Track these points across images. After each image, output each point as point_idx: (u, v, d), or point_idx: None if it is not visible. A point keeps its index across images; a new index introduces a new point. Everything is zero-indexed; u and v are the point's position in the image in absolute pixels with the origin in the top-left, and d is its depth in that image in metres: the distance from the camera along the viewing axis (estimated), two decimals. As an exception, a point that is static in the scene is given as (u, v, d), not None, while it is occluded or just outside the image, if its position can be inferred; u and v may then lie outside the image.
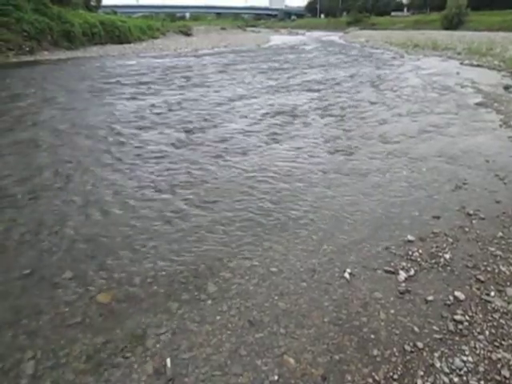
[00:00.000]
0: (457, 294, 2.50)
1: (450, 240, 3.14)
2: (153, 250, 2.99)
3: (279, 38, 42.97)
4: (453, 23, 54.12)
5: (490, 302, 2.45)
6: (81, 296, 2.49)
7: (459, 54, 19.37)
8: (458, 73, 13.02)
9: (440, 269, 2.77)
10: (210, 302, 2.44)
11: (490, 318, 2.33)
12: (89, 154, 5.16)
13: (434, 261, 2.86)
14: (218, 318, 2.31)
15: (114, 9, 50.96)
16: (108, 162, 4.89)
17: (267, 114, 7.34)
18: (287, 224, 3.37)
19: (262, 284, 2.61)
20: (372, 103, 8.29)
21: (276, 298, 2.48)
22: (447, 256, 2.91)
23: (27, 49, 19.50)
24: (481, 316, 2.34)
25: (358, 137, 5.95)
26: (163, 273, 2.71)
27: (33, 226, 3.34)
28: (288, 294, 2.52)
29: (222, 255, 2.91)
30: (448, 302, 2.43)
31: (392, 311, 2.37)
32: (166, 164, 4.81)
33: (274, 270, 2.75)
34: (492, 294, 2.52)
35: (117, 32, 28.98)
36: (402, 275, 2.68)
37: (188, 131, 6.21)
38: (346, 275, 2.67)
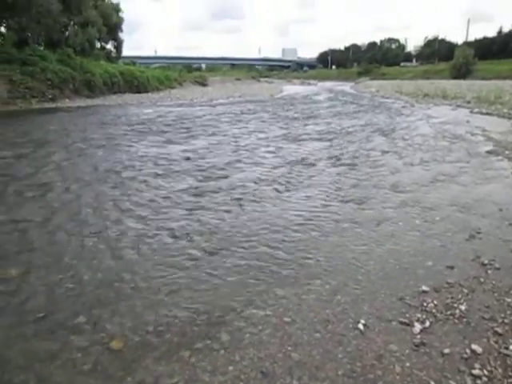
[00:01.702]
0: (474, 347, 2.45)
1: (465, 291, 3.10)
2: (166, 296, 3.01)
3: (292, 88, 44.26)
4: (461, 72, 55.30)
5: (509, 355, 2.39)
6: (93, 342, 2.51)
7: (468, 102, 19.70)
8: (468, 121, 13.21)
9: (456, 320, 2.74)
10: (222, 351, 2.43)
11: (510, 373, 2.27)
12: (105, 200, 5.30)
13: (449, 312, 2.82)
14: (231, 368, 2.30)
15: (133, 59, 53.40)
16: (124, 207, 5.01)
17: (280, 162, 7.49)
18: (300, 273, 3.38)
19: (276, 334, 2.59)
20: (384, 152, 8.41)
21: (289, 348, 2.46)
22: (463, 307, 2.87)
23: (50, 96, 20.46)
24: (500, 371, 2.28)
25: (371, 186, 6.02)
26: (176, 320, 2.72)
27: (48, 269, 3.40)
28: (301, 344, 2.50)
29: (236, 304, 2.91)
30: (465, 356, 2.38)
31: (407, 364, 2.33)
32: (181, 211, 4.90)
33: (287, 319, 2.74)
34: (511, 347, 2.47)
35: (135, 82, 30.29)
36: (417, 327, 2.64)
37: (202, 179, 6.35)
38: (360, 326, 2.65)
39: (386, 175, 6.63)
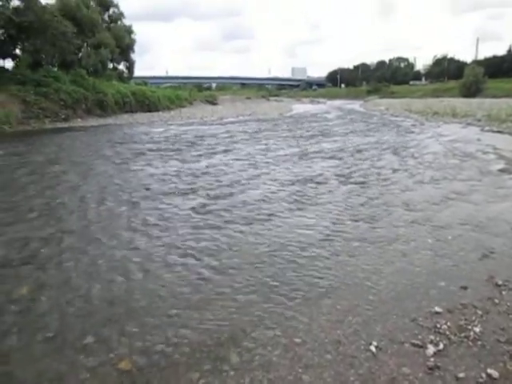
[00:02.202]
0: (490, 371, 2.38)
1: (480, 312, 3.04)
2: (175, 316, 2.99)
3: (301, 107, 44.53)
4: (471, 91, 55.23)
5: (526, 381, 2.32)
6: (102, 362, 2.49)
7: (479, 120, 19.61)
8: (478, 139, 13.12)
9: (470, 343, 2.67)
10: (232, 372, 2.40)
11: (527, 398, 2.20)
12: (115, 218, 5.33)
13: (463, 334, 2.76)
14: (241, 391, 2.26)
15: (145, 80, 54.30)
16: (133, 226, 5.03)
17: (290, 180, 7.49)
18: (310, 293, 3.34)
19: (286, 355, 2.55)
20: (394, 170, 8.38)
21: (300, 370, 2.42)
22: (477, 329, 2.81)
23: (63, 116, 20.88)
24: (517, 396, 2.21)
25: (381, 204, 5.98)
26: (185, 341, 2.69)
27: (58, 288, 3.41)
28: (312, 366, 2.45)
29: (245, 324, 2.88)
30: (481, 380, 2.32)
31: (421, 388, 2.27)
32: (191, 229, 4.90)
33: (297, 340, 2.70)
34: (528, 372, 2.40)
35: (146, 101, 30.79)
36: (431, 349, 2.58)
37: (212, 197, 6.37)
38: (372, 348, 2.60)
39: (396, 193, 6.59)
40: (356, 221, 5.24)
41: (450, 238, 4.61)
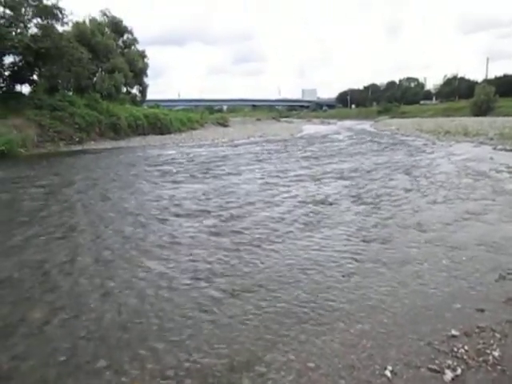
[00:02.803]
0: (510, 397, 2.31)
1: (498, 335, 2.96)
2: (187, 340, 2.97)
3: (312, 128, 44.77)
4: (482, 110, 55.07)
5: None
6: (114, 387, 2.48)
7: (491, 139, 19.49)
8: (491, 158, 13.02)
9: (489, 368, 2.60)
10: (244, 398, 2.36)
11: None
12: (127, 240, 5.35)
13: (481, 359, 2.69)
14: (253, 417, 2.22)
15: (157, 102, 55.21)
16: (146, 248, 5.05)
17: (301, 201, 7.48)
18: (323, 316, 3.29)
19: (299, 380, 2.51)
20: (406, 190, 8.33)
21: (314, 396, 2.37)
22: (496, 353, 2.73)
23: (77, 139, 21.30)
24: (539, 424, 2.14)
25: (394, 224, 5.92)
26: (197, 365, 2.66)
27: (71, 311, 3.42)
28: (326, 392, 2.40)
29: (257, 348, 2.85)
30: (501, 407, 2.25)
31: (439, 416, 2.20)
32: (202, 251, 4.90)
33: (311, 365, 2.66)
34: (550, 398, 2.32)
35: (159, 124, 31.23)
36: (448, 375, 2.52)
37: (223, 219, 6.38)
38: (387, 373, 2.54)
39: (409, 214, 6.54)
40: (368, 241, 5.19)
41: (464, 258, 4.54)
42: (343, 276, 4.10)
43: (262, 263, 4.50)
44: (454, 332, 2.99)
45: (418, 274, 4.14)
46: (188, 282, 4.02)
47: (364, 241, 5.23)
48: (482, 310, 3.34)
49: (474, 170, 10.76)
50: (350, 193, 8.18)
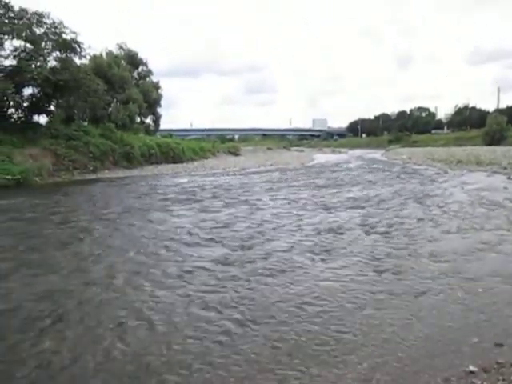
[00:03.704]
0: None
1: (518, 372, 2.85)
2: (197, 372, 2.92)
3: (323, 157, 44.95)
4: (494, 139, 55.01)
5: None
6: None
7: (505, 168, 19.33)
8: (505, 187, 12.87)
9: (510, 407, 2.49)
10: None
11: None
12: (139, 269, 5.34)
13: (501, 397, 2.58)
14: None
15: (170, 132, 56.23)
16: (156, 277, 5.03)
17: (313, 230, 7.44)
18: (336, 348, 3.22)
19: (311, 417, 2.43)
20: (419, 220, 8.24)
21: (326, 434, 2.29)
22: (516, 391, 2.63)
23: (91, 168, 21.64)
24: None
25: (407, 255, 5.84)
26: (207, 399, 2.60)
27: (80, 341, 3.39)
28: (339, 429, 2.32)
29: (268, 382, 2.78)
30: None
31: None
32: (213, 281, 4.87)
33: (323, 400, 2.58)
34: None
35: (171, 153, 31.68)
36: (467, 413, 2.42)
37: (235, 248, 6.35)
38: (403, 410, 2.45)
39: (422, 244, 6.44)
40: (381, 272, 5.11)
41: (480, 290, 4.43)
42: (356, 307, 4.02)
43: (274, 294, 4.44)
44: (471, 368, 2.89)
45: (432, 306, 4.05)
46: (197, 312, 3.98)
47: (377, 271, 5.15)
48: (501, 345, 3.23)
49: (487, 199, 10.63)
50: (363, 222, 8.11)
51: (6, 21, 21.40)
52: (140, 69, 42.13)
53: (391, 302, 4.15)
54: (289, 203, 10.82)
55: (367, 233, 7.23)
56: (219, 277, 5.02)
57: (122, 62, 38.89)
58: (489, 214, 8.74)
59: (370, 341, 3.34)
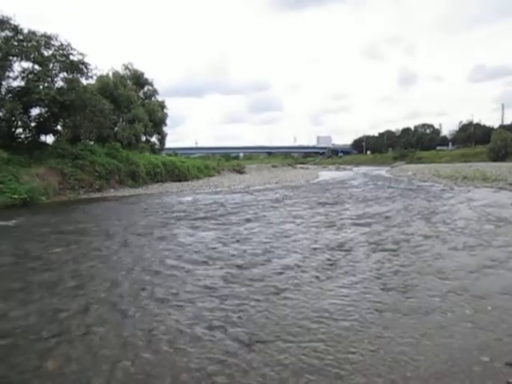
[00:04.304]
0: None
1: (530, 393, 2.79)
2: (202, 394, 2.87)
3: (327, 174, 45.00)
4: (500, 155, 54.99)
5: None
6: None
7: (511, 184, 19.23)
8: (512, 204, 12.79)
9: (523, 429, 2.43)
10: None
11: None
12: (144, 288, 5.31)
13: (514, 418, 2.52)
14: None
15: (175, 150, 56.62)
16: (161, 296, 4.99)
17: (318, 248, 7.39)
18: (343, 368, 3.16)
19: None
20: (425, 237, 8.18)
21: None
22: (529, 413, 2.56)
23: (97, 187, 21.77)
24: None
25: (414, 272, 5.77)
26: (212, 421, 2.56)
27: (84, 362, 3.35)
28: None
29: (274, 403, 2.73)
30: None
31: None
32: (218, 300, 4.83)
33: (330, 422, 2.52)
34: None
35: (176, 171, 31.88)
36: None
37: (240, 266, 6.31)
38: (413, 433, 2.39)
39: (429, 261, 6.38)
40: (388, 290, 5.05)
41: (489, 308, 4.36)
42: (363, 326, 3.97)
43: (279, 312, 4.40)
44: (482, 388, 2.83)
45: (441, 324, 3.99)
46: (203, 331, 3.94)
47: (383, 289, 5.10)
48: (512, 365, 3.16)
49: (494, 215, 10.56)
50: (368, 239, 8.06)
51: (15, 43, 21.85)
52: (146, 88, 42.67)
53: (399, 321, 4.09)
54: (294, 221, 10.78)
55: (373, 250, 7.18)
56: (223, 295, 4.98)
57: (128, 82, 39.47)
58: (496, 230, 8.67)
59: (377, 360, 3.28)
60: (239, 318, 4.27)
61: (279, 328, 3.97)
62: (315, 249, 7.37)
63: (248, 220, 11.12)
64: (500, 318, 4.09)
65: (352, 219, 10.74)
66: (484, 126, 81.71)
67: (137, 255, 7.29)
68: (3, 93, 21.85)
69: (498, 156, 54.86)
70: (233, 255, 7.03)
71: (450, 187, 20.57)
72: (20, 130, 23.74)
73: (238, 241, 8.25)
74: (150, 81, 42.49)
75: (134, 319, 4.31)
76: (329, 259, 6.61)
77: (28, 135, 24.19)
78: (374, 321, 4.10)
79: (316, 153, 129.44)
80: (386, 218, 10.90)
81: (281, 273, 5.89)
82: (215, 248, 7.65)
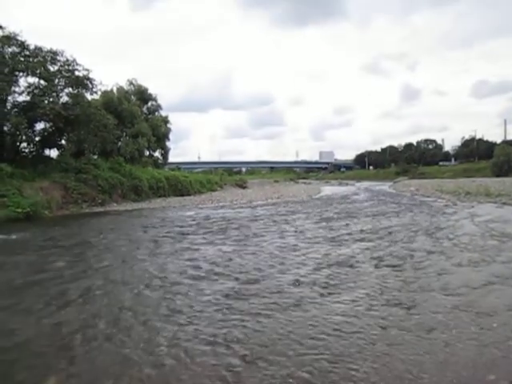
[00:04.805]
0: None
1: (538, 412, 2.73)
2: (204, 412, 2.83)
3: (330, 189, 44.97)
4: (503, 170, 54.89)
5: None
6: None
7: (515, 200, 19.15)
8: (516, 219, 12.72)
9: None
10: None
11: None
12: (146, 304, 5.29)
13: None
14: None
15: (178, 165, 56.89)
16: (164, 312, 4.97)
17: (320, 264, 7.35)
18: (347, 386, 3.12)
19: None
20: (429, 252, 8.12)
21: None
22: (537, 433, 2.51)
23: (99, 201, 21.84)
24: None
25: (418, 288, 5.72)
26: None
27: (86, 378, 3.33)
28: None
29: (277, 421, 2.69)
30: None
31: None
32: (219, 315, 4.79)
33: None
34: None
35: (179, 186, 32.00)
36: None
37: (242, 282, 6.28)
38: None
39: (433, 277, 6.32)
40: (391, 306, 5.00)
41: (495, 325, 4.31)
42: (367, 343, 3.92)
43: (282, 329, 4.35)
44: (489, 407, 2.78)
45: (446, 342, 3.93)
46: (205, 347, 3.90)
47: (387, 305, 5.05)
48: (519, 383, 3.11)
49: (498, 231, 10.49)
50: (372, 254, 8.01)
51: (22, 59, 22.18)
52: (149, 104, 43.12)
53: (403, 338, 4.04)
54: (296, 236, 10.75)
55: (377, 266, 7.13)
56: (226, 311, 4.94)
57: (132, 97, 39.89)
58: (500, 246, 8.60)
59: (382, 378, 3.23)
60: (242, 334, 4.22)
61: (281, 345, 3.93)
62: (318, 264, 7.32)
63: (250, 235, 11.08)
64: (506, 336, 4.03)
65: (355, 234, 10.70)
66: (487, 142, 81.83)
67: (138, 270, 7.27)
68: (9, 107, 22.12)
69: (501, 171, 54.78)
70: (235, 270, 6.99)
71: (453, 202, 20.49)
72: (24, 145, 23.99)
73: (239, 256, 8.22)
74: (153, 96, 43.02)
75: (135, 334, 4.27)
76: (331, 275, 6.56)
77: (32, 149, 24.40)
78: (378, 338, 4.05)
79: (318, 168, 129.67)
80: (390, 233, 10.85)
81: (283, 288, 5.85)
82: (217, 263, 7.60)
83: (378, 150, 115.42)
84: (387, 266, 7.12)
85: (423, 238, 10.01)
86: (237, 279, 6.43)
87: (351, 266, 7.13)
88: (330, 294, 5.58)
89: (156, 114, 43.56)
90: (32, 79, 22.94)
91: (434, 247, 8.67)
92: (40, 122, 23.30)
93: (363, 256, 7.95)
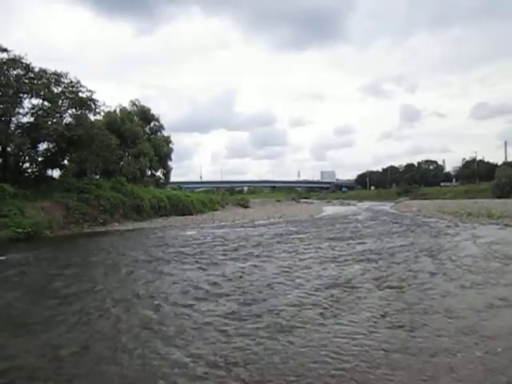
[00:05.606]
0: None
1: None
2: None
3: (331, 209, 44.88)
4: (504, 191, 54.83)
5: None
6: None
7: (517, 221, 19.07)
8: (519, 241, 12.65)
9: None
10: None
11: None
12: (147, 325, 5.24)
13: None
14: None
15: (180, 184, 56.95)
16: (164, 333, 4.93)
17: (322, 285, 7.29)
18: (350, 412, 3.06)
19: None
20: (431, 274, 8.06)
21: None
22: None
23: (101, 221, 21.78)
24: None
25: (420, 310, 5.66)
26: None
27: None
28: None
29: None
30: None
31: None
32: (222, 338, 4.74)
33: None
34: None
35: (181, 205, 31.96)
36: None
37: (244, 303, 6.22)
38: None
39: (436, 299, 6.27)
40: (394, 329, 4.95)
41: (499, 350, 4.24)
42: (370, 366, 3.86)
43: (284, 351, 4.30)
44: None
45: (450, 366, 3.87)
46: (207, 369, 3.85)
47: (390, 327, 4.99)
48: (525, 410, 3.05)
49: (501, 253, 10.42)
50: (373, 276, 7.95)
51: (26, 81, 22.48)
52: (152, 124, 43.45)
53: (406, 362, 3.98)
54: (297, 256, 10.69)
55: (379, 287, 7.07)
56: (227, 332, 4.89)
57: (135, 117, 40.25)
58: (503, 268, 8.54)
59: (385, 404, 3.17)
60: (243, 356, 4.17)
61: (284, 368, 3.88)
62: (320, 285, 7.27)
63: (252, 255, 11.02)
64: (511, 360, 3.97)
65: (357, 255, 10.64)
66: (487, 163, 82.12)
67: (139, 291, 7.21)
68: (13, 128, 22.31)
69: (502, 192, 54.72)
70: (236, 291, 6.94)
71: (455, 224, 20.39)
72: (27, 165, 24.11)
73: (241, 277, 8.17)
74: (156, 116, 43.36)
75: (135, 356, 4.22)
76: (333, 296, 6.51)
77: (35, 169, 24.51)
78: (381, 361, 4.00)
79: (320, 187, 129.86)
80: (392, 254, 10.79)
81: (285, 310, 5.80)
82: (218, 284, 7.56)
83: (379, 170, 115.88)
84: (390, 287, 7.07)
85: (426, 259, 9.95)
86: (238, 300, 6.37)
87: (353, 287, 7.07)
88: (331, 315, 5.53)
89: (158, 134, 43.85)
90: (36, 101, 23.24)
91: (436, 269, 8.61)
92: (43, 142, 23.47)
93: (365, 277, 7.89)
